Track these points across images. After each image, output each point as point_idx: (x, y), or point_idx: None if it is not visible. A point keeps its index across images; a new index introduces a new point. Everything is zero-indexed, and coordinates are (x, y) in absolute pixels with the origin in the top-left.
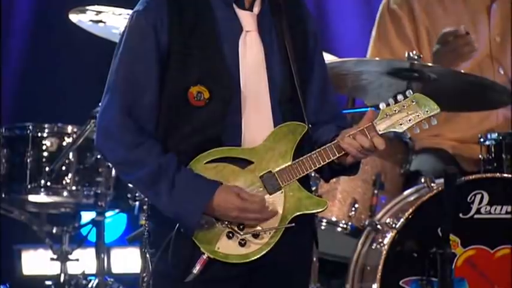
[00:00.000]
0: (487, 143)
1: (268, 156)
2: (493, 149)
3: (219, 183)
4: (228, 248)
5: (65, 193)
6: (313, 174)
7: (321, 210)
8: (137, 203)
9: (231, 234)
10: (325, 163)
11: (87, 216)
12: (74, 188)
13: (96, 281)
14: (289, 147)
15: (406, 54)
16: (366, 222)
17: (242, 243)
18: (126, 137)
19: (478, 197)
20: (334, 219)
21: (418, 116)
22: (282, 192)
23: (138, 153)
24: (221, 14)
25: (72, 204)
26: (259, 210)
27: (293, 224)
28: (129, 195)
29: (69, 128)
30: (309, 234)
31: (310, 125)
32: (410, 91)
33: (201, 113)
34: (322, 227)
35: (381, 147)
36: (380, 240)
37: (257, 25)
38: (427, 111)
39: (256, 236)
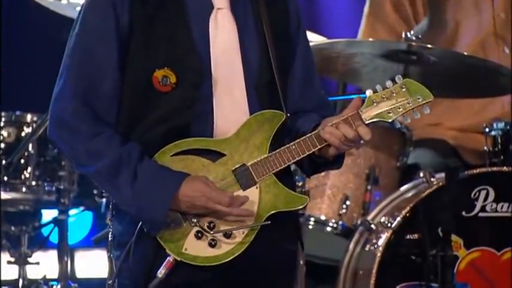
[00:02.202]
0: (493, 133)
1: (242, 147)
2: (499, 140)
3: (186, 174)
4: (196, 249)
5: (24, 189)
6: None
7: (300, 207)
8: (104, 199)
9: (199, 234)
10: (304, 155)
11: (48, 214)
12: (33, 183)
13: (59, 286)
14: (265, 138)
15: (404, 35)
16: (359, 221)
17: (212, 244)
18: (83, 127)
19: (483, 193)
20: (323, 217)
21: (408, 104)
22: (257, 187)
23: (96, 144)
24: None
25: (32, 202)
26: (228, 203)
27: (268, 222)
28: (95, 192)
29: (29, 117)
30: (292, 231)
31: (288, 114)
32: (400, 76)
33: (168, 99)
34: (310, 227)
35: (366, 137)
36: (374, 241)
37: (229, 2)
38: (418, 99)
39: (228, 235)
